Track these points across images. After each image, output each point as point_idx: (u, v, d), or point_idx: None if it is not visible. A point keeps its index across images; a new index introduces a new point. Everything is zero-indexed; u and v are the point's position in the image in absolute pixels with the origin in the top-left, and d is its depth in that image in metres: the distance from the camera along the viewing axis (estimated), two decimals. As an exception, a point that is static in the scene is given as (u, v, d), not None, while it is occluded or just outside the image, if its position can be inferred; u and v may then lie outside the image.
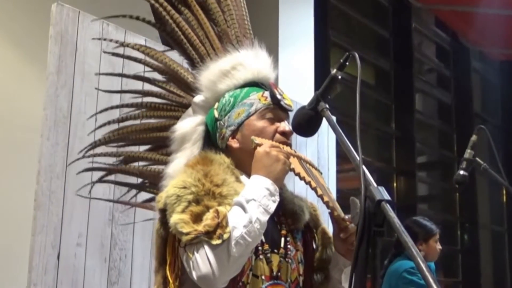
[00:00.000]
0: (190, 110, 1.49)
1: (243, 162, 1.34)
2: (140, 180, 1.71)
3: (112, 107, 1.76)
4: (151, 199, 1.67)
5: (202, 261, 1.15)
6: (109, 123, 1.72)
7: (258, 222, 1.19)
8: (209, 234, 1.15)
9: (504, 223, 7.37)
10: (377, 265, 0.93)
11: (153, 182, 1.62)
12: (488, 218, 7.26)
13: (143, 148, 1.67)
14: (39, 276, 2.07)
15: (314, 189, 1.28)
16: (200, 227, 1.15)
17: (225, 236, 1.15)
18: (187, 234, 1.15)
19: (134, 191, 1.80)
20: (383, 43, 5.95)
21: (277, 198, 1.25)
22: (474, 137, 2.23)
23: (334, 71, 1.22)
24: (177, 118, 1.52)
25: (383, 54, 5.87)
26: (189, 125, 1.44)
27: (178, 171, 1.35)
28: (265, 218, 1.21)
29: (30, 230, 2.08)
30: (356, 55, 1.15)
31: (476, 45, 6.52)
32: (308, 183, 1.28)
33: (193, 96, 1.49)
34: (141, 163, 1.66)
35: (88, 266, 2.23)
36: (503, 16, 5.69)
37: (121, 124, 1.68)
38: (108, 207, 2.26)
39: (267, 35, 3.26)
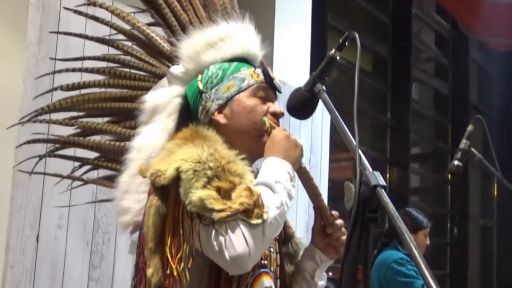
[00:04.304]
0: (164, 80, 1.38)
1: (229, 140, 1.26)
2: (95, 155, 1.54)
3: (67, 70, 1.57)
4: (111, 177, 1.52)
5: (238, 240, 1.09)
6: (61, 88, 1.54)
7: (286, 205, 1.17)
8: (247, 213, 1.09)
9: (494, 217, 7.39)
10: (369, 252, 0.91)
11: (113, 158, 1.48)
12: (479, 211, 7.28)
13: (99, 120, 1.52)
14: (16, 258, 2.03)
15: (307, 181, 1.29)
16: (236, 205, 1.09)
17: (265, 216, 1.11)
18: (220, 211, 1.08)
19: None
20: (382, 28, 5.88)
21: (295, 184, 1.22)
22: (470, 127, 2.21)
23: (332, 51, 1.18)
24: (147, 88, 1.42)
25: (382, 40, 5.80)
26: (163, 96, 1.33)
27: (151, 145, 1.27)
28: (290, 202, 1.19)
29: (7, 209, 2.02)
30: (356, 35, 1.10)
31: (476, 34, 6.46)
32: (302, 173, 1.28)
33: (168, 66, 1.39)
34: (97, 137, 1.51)
35: (69, 249, 2.18)
36: (505, 5, 5.63)
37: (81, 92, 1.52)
38: (92, 188, 2.18)
39: (263, 15, 3.16)
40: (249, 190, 1.11)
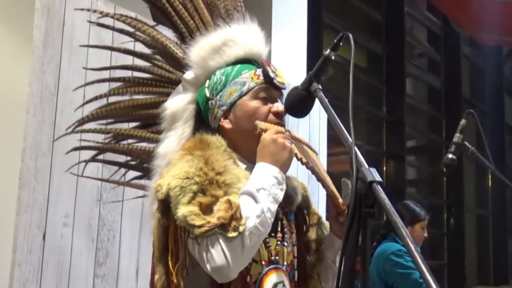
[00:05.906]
0: (180, 87, 1.43)
1: (236, 144, 1.30)
2: (127, 158, 1.66)
3: (98, 81, 1.67)
4: (139, 177, 1.64)
5: (217, 253, 1.13)
6: (95, 98, 1.64)
7: (269, 212, 1.18)
8: (224, 227, 1.13)
9: (489, 207, 7.47)
10: (367, 246, 0.93)
11: (142, 161, 1.58)
12: (474, 202, 7.35)
13: (131, 125, 1.62)
14: (23, 256, 2.04)
15: (316, 173, 1.28)
16: (214, 219, 1.13)
17: (241, 228, 1.14)
18: (200, 226, 1.13)
19: (122, 170, 1.75)
20: (375, 26, 5.93)
21: (284, 187, 1.24)
22: (463, 121, 2.23)
23: (327, 51, 1.20)
24: (167, 94, 1.47)
25: (375, 37, 5.86)
26: (179, 103, 1.38)
27: (171, 152, 1.32)
28: (274, 207, 1.21)
29: (14, 209, 2.03)
30: (350, 35, 1.13)
31: (467, 30, 6.52)
32: (310, 168, 1.28)
33: (184, 72, 1.43)
34: (129, 141, 1.61)
35: (75, 246, 2.20)
36: (494, 1, 5.68)
37: (110, 100, 1.62)
38: (96, 186, 2.22)
39: (261, 16, 3.20)
40: (229, 202, 1.15)
